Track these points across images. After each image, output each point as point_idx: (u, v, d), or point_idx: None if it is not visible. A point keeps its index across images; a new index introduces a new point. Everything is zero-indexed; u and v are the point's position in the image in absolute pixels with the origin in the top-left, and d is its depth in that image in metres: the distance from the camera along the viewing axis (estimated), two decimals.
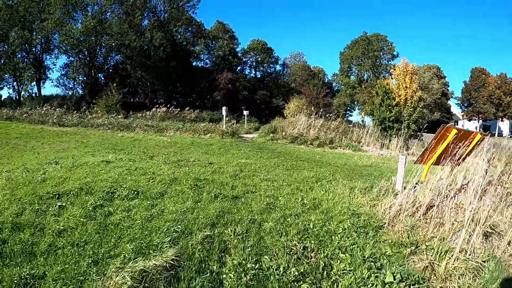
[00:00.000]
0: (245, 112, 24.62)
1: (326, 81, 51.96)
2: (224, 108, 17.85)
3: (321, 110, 17.87)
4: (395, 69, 17.48)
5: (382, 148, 15.13)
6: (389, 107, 16.62)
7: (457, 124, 58.47)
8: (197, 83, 39.64)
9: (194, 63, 46.00)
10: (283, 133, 15.03)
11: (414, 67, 16.80)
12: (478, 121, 51.78)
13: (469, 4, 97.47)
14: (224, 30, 45.37)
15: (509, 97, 46.13)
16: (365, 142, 15.40)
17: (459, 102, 52.73)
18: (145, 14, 34.13)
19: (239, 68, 49.91)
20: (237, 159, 7.97)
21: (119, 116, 18.70)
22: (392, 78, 18.16)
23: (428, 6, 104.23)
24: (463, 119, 54.82)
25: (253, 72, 53.41)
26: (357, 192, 4.88)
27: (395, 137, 16.02)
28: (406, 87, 16.23)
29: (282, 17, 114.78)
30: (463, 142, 4.48)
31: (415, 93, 16.02)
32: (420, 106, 16.01)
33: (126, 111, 21.40)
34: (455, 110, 56.38)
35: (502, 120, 49.75)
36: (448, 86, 52.48)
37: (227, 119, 18.91)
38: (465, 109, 51.81)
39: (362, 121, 45.50)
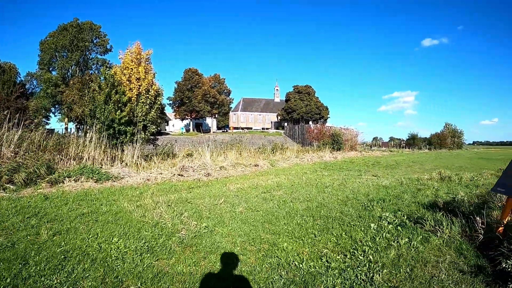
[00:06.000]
0: None
1: (18, 81, 39.20)
2: None
3: (15, 116, 10.26)
4: (124, 55, 13.48)
5: (139, 168, 10.72)
6: (119, 105, 12.49)
7: (168, 124, 61.79)
8: None
9: None
10: None
11: (149, 54, 13.70)
12: (191, 120, 57.42)
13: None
14: None
15: (223, 95, 56.42)
16: (90, 157, 10.22)
17: (170, 102, 54.62)
18: None
19: None
20: None
21: None
22: (120, 67, 14.05)
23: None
24: (175, 118, 58.34)
25: None
26: None
27: (129, 144, 12.28)
28: (138, 78, 12.79)
29: None
30: None
31: (151, 86, 13.02)
32: (158, 103, 13.36)
33: None
34: (166, 110, 57.17)
35: (215, 117, 59.15)
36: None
37: None
38: (176, 109, 54.32)
39: (66, 128, 37.18)
